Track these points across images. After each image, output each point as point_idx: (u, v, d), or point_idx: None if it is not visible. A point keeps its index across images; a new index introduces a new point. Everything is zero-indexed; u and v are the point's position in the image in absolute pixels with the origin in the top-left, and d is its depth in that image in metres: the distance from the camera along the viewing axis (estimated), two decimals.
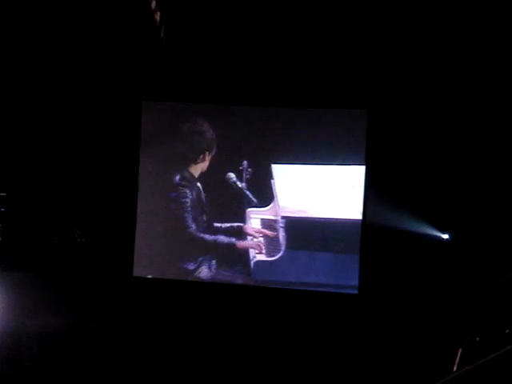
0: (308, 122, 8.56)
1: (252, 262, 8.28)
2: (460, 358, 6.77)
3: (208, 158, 8.55)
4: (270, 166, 8.15)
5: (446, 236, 8.65)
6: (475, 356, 6.55)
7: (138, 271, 9.24)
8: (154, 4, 8.70)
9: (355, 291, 8.32)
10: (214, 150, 8.56)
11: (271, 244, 8.21)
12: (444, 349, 7.52)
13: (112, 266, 9.32)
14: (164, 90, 9.22)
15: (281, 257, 8.20)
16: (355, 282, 8.35)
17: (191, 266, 8.79)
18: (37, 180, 9.45)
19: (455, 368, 6.80)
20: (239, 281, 8.36)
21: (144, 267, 9.27)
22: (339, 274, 8.19)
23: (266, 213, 8.16)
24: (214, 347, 8.99)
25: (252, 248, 8.28)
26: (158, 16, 8.82)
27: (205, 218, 8.45)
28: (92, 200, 9.39)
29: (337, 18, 8.53)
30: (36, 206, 9.45)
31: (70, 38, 8.91)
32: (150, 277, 9.15)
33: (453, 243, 8.60)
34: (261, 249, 8.24)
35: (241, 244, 8.35)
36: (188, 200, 8.74)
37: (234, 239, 8.35)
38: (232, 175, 8.29)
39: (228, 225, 8.28)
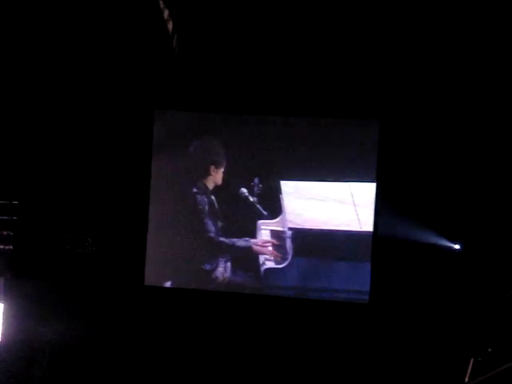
0: (317, 135, 8.86)
1: (262, 269, 8.84)
2: (472, 369, 6.76)
3: (219, 172, 9.03)
4: (279, 182, 8.77)
5: (457, 246, 8.63)
6: (487, 367, 6.55)
7: (149, 280, 9.25)
8: (166, 13, 8.74)
9: (365, 296, 8.61)
10: (224, 164, 9.03)
11: (279, 253, 8.79)
12: (455, 359, 7.50)
13: (123, 274, 9.32)
14: (175, 98, 9.25)
15: (288, 264, 8.74)
16: (364, 287, 8.62)
17: (207, 271, 9.05)
18: (48, 188, 9.47)
19: (467, 379, 6.79)
20: (250, 285, 8.87)
21: (155, 276, 9.29)
22: (347, 280, 8.63)
23: (274, 224, 8.78)
24: (221, 355, 8.98)
25: (263, 254, 8.83)
26: (170, 25, 8.86)
27: (219, 226, 8.97)
28: (103, 208, 9.41)
29: (347, 26, 8.54)
30: (47, 214, 9.46)
31: (83, 46, 8.95)
32: (168, 286, 9.20)
33: (464, 253, 8.58)
34: (272, 255, 8.81)
35: (252, 252, 8.87)
36: (203, 208, 9.06)
37: (246, 248, 8.87)
38: (244, 190, 8.86)
39: (240, 235, 8.85)
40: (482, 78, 8.36)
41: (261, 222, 8.85)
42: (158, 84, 9.16)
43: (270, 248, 8.82)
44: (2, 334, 9.37)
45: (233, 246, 8.95)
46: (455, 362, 7.46)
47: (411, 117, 8.64)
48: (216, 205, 9.02)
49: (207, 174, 9.08)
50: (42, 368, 9.11)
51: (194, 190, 9.11)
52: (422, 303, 8.49)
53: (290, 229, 8.75)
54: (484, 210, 8.49)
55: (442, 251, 8.59)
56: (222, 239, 9.02)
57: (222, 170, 9.00)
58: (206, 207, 9.06)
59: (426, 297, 8.49)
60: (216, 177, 9.02)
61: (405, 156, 8.69)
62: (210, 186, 9.07)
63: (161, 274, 9.31)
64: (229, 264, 9.00)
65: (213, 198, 9.04)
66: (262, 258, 8.86)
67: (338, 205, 8.64)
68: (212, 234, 9.05)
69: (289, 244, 8.75)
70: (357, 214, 8.60)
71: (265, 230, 8.83)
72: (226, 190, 8.98)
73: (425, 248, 8.55)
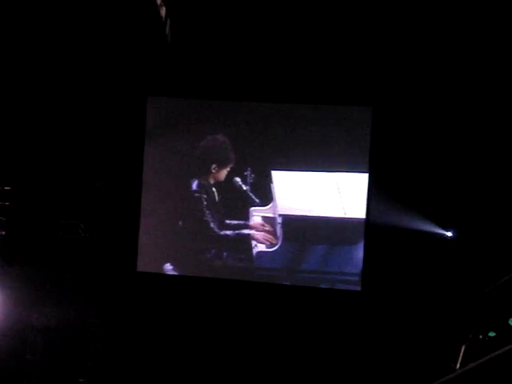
0: (310, 122, 9.05)
1: (254, 252, 9.20)
2: (463, 355, 6.79)
3: (222, 170, 9.33)
4: (270, 172, 9.11)
5: (449, 234, 8.66)
6: (478, 353, 6.58)
7: (141, 266, 9.29)
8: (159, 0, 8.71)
9: (352, 278, 8.89)
10: (229, 163, 9.30)
11: (270, 237, 9.15)
12: (447, 346, 7.54)
13: (115, 260, 9.33)
14: (169, 85, 9.23)
15: (278, 248, 9.11)
16: (350, 269, 8.92)
17: (200, 255, 9.30)
18: (41, 174, 9.46)
19: (458, 365, 6.82)
20: (244, 266, 9.22)
21: (148, 262, 9.33)
22: (333, 262, 9.01)
23: (266, 211, 9.17)
24: (215, 342, 9.03)
25: (254, 240, 9.19)
26: (163, 11, 8.82)
27: (217, 216, 9.28)
28: (96, 195, 9.41)
29: (340, 14, 8.54)
30: (40, 200, 9.45)
31: (75, 33, 8.91)
32: (160, 272, 9.27)
33: (457, 241, 8.61)
34: (263, 239, 9.17)
35: (245, 237, 9.21)
36: (196, 195, 9.29)
37: (239, 233, 9.22)
38: (238, 179, 9.21)
39: (235, 221, 9.22)
40: (475, 67, 8.36)
41: (253, 209, 9.16)
42: (152, 70, 9.13)
43: (262, 233, 9.13)
44: None
45: (226, 231, 9.20)
46: (447, 349, 7.49)
47: (405, 104, 8.64)
48: (216, 195, 9.28)
49: (208, 171, 9.28)
50: (35, 354, 9.12)
51: (196, 183, 9.30)
52: (414, 290, 8.52)
53: (281, 215, 9.09)
54: (476, 198, 8.51)
55: (434, 239, 8.61)
56: (215, 225, 9.22)
57: (227, 168, 9.27)
58: (201, 195, 9.27)
59: (417, 284, 8.52)
60: (218, 174, 9.29)
61: (397, 143, 8.71)
62: (213, 179, 9.30)
63: (153, 261, 9.36)
64: (222, 248, 9.23)
65: (214, 190, 9.28)
66: (253, 242, 9.21)
67: (326, 193, 8.95)
68: (209, 222, 9.24)
69: (279, 229, 9.10)
70: (342, 202, 8.91)
71: (257, 216, 9.17)
72: (226, 181, 9.28)
73: (417, 236, 8.58)
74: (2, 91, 9.43)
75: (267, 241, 9.10)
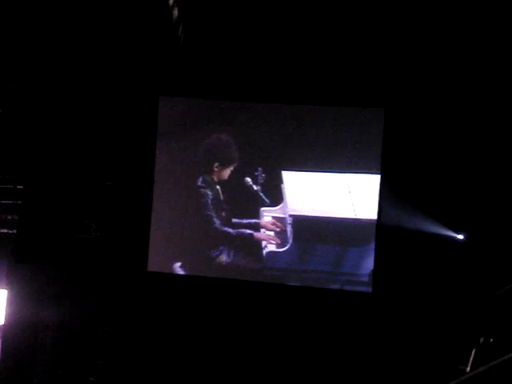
0: (322, 123, 9.07)
1: (264, 252, 9.21)
2: (474, 359, 6.77)
3: (226, 169, 9.35)
4: (281, 172, 9.13)
5: (460, 236, 8.64)
6: (489, 356, 6.56)
7: (152, 266, 9.31)
8: (171, 0, 8.72)
9: (362, 279, 8.89)
10: (233, 162, 9.32)
11: (280, 237, 9.16)
12: (458, 349, 7.52)
13: (126, 260, 9.35)
14: (181, 85, 9.25)
15: (288, 248, 9.12)
16: (360, 270, 8.92)
17: (211, 256, 9.30)
18: (53, 174, 9.49)
19: (469, 368, 6.80)
20: (253, 267, 9.23)
21: (159, 262, 9.35)
22: (343, 263, 9.01)
23: (276, 211, 9.18)
24: (224, 342, 9.03)
25: (264, 240, 9.21)
26: (175, 12, 8.84)
27: (224, 214, 9.30)
28: (108, 194, 9.43)
29: (352, 14, 8.53)
30: (52, 199, 9.47)
31: (88, 33, 8.94)
32: (171, 272, 9.28)
33: (468, 243, 8.59)
34: (273, 240, 9.18)
35: (255, 237, 9.23)
36: (208, 195, 9.32)
37: (249, 232, 9.25)
38: (249, 179, 9.22)
39: (245, 221, 9.25)
40: (490, 68, 8.33)
41: (263, 209, 9.18)
42: (164, 70, 9.15)
43: (272, 233, 9.17)
44: (6, 318, 9.42)
45: (237, 231, 9.23)
46: (457, 352, 7.47)
47: (417, 106, 8.62)
48: (221, 193, 9.29)
49: (212, 169, 9.30)
50: (46, 353, 9.15)
51: (200, 180, 9.32)
52: (425, 293, 8.50)
53: (291, 216, 9.11)
54: (488, 201, 8.49)
55: (445, 241, 8.59)
56: (226, 225, 9.24)
57: (229, 167, 9.30)
58: (211, 194, 9.30)
59: (428, 286, 8.50)
60: (220, 173, 9.32)
61: (409, 145, 8.69)
62: (216, 177, 9.33)
63: (164, 260, 9.37)
64: (232, 248, 9.25)
65: (218, 187, 9.30)
66: (263, 242, 9.22)
67: (336, 193, 8.95)
68: (216, 221, 9.26)
69: (289, 230, 9.11)
70: (352, 203, 8.90)
71: (267, 216, 9.18)
72: (231, 180, 9.31)
73: (428, 238, 8.56)
74: (15, 91, 9.48)
75: (277, 241, 9.11)
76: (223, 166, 9.29)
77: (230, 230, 9.23)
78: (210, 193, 9.29)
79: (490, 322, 6.99)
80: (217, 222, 9.25)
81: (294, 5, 8.64)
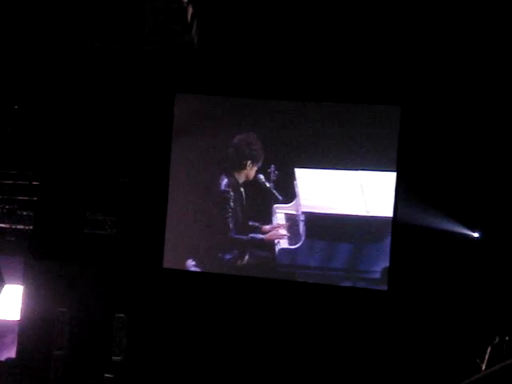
0: (338, 120, 9.08)
1: (277, 249, 9.22)
2: (489, 357, 6.76)
3: (253, 168, 9.34)
4: (294, 169, 9.14)
5: (476, 234, 8.61)
6: (505, 355, 6.54)
7: (167, 263, 9.34)
8: None
9: (374, 276, 8.88)
10: (260, 161, 9.31)
11: (292, 234, 9.16)
12: (473, 347, 7.50)
13: (142, 256, 9.38)
14: (196, 82, 9.26)
15: (301, 245, 9.11)
16: (371, 267, 8.92)
17: (224, 254, 9.34)
18: (69, 170, 9.53)
19: (484, 366, 6.79)
20: (266, 264, 9.23)
21: (174, 258, 9.38)
22: (357, 261, 9.02)
23: (289, 208, 9.19)
24: (237, 338, 9.05)
25: (277, 238, 9.21)
26: (190, 10, 8.83)
27: (241, 217, 9.31)
28: (124, 191, 9.46)
29: (370, 11, 8.52)
30: (68, 195, 9.52)
31: (104, 30, 8.95)
32: (186, 269, 9.32)
33: (483, 241, 8.56)
34: (286, 237, 9.18)
35: (268, 233, 9.23)
36: (229, 200, 9.33)
37: (261, 238, 9.23)
38: (261, 176, 9.24)
39: (259, 223, 9.24)
40: (507, 66, 8.29)
41: (276, 206, 9.19)
42: (180, 68, 9.16)
43: (284, 231, 9.16)
44: (22, 314, 9.48)
45: (251, 236, 9.24)
46: (473, 349, 7.45)
47: (433, 104, 8.60)
48: (238, 192, 9.31)
49: (243, 167, 9.30)
50: (62, 349, 9.19)
51: (225, 182, 9.31)
52: (441, 291, 8.48)
53: (304, 213, 9.11)
54: (503, 199, 8.46)
55: (460, 239, 8.57)
56: (239, 223, 9.24)
57: (257, 166, 9.29)
58: (229, 194, 9.31)
59: (444, 284, 8.48)
60: (250, 172, 9.31)
61: (425, 143, 8.67)
62: (244, 177, 9.33)
63: (179, 257, 9.39)
64: (246, 246, 9.25)
65: (242, 190, 9.30)
66: (276, 240, 9.22)
67: (349, 191, 8.96)
68: (230, 217, 9.27)
69: (302, 227, 9.10)
70: (365, 200, 8.90)
71: (280, 213, 9.20)
72: (254, 180, 9.31)
73: (443, 236, 8.54)
74: (32, 89, 9.52)
75: (289, 238, 9.11)
76: (254, 164, 9.27)
77: (244, 237, 9.23)
78: (232, 194, 9.28)
79: (506, 320, 6.97)
80: (234, 220, 9.24)
81: (312, 3, 8.63)
